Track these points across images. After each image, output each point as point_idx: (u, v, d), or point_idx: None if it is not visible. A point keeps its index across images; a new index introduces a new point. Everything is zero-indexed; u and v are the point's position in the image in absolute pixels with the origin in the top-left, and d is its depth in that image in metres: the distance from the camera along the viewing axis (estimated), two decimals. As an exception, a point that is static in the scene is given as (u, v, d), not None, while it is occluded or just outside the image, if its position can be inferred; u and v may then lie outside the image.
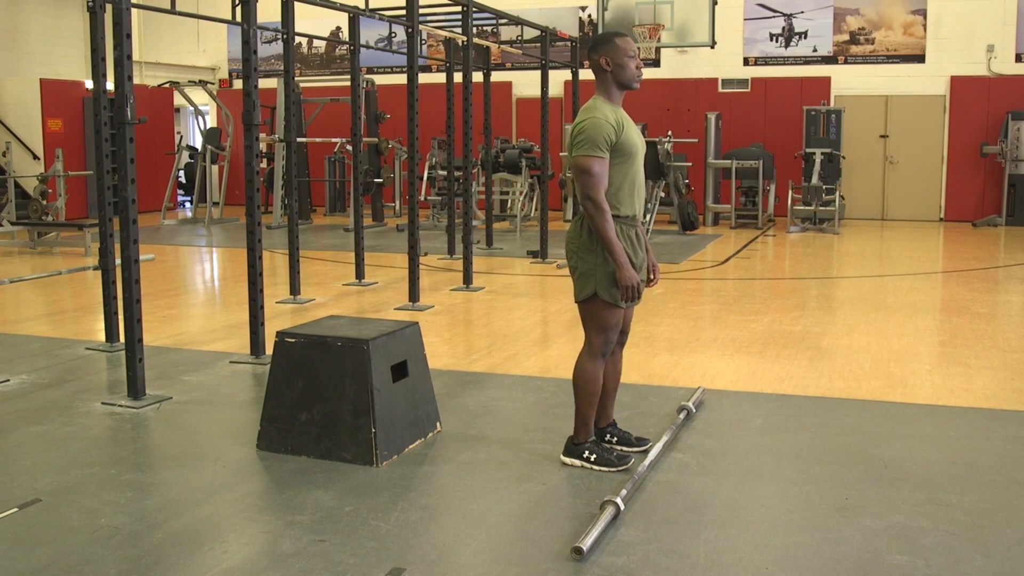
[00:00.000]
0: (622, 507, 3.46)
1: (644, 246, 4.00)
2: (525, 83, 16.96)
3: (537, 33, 11.12)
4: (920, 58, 15.29)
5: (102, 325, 6.54)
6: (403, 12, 7.77)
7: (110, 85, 5.34)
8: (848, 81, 15.64)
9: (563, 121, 16.17)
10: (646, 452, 4.13)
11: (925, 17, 15.18)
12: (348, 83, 9.96)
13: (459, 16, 9.55)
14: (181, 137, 18.33)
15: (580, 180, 3.74)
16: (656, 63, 16.53)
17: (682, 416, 4.60)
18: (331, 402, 4.08)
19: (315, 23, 15.00)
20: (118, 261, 5.50)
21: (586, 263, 3.84)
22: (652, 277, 4.10)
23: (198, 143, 16.73)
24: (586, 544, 3.15)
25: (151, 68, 18.02)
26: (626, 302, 3.80)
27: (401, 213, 15.86)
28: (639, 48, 3.93)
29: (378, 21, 8.97)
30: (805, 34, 15.77)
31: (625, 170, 3.83)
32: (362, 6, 8.77)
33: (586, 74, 14.42)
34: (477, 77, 10.02)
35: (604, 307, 3.84)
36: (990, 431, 4.53)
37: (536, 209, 14.06)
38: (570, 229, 3.95)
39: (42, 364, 5.88)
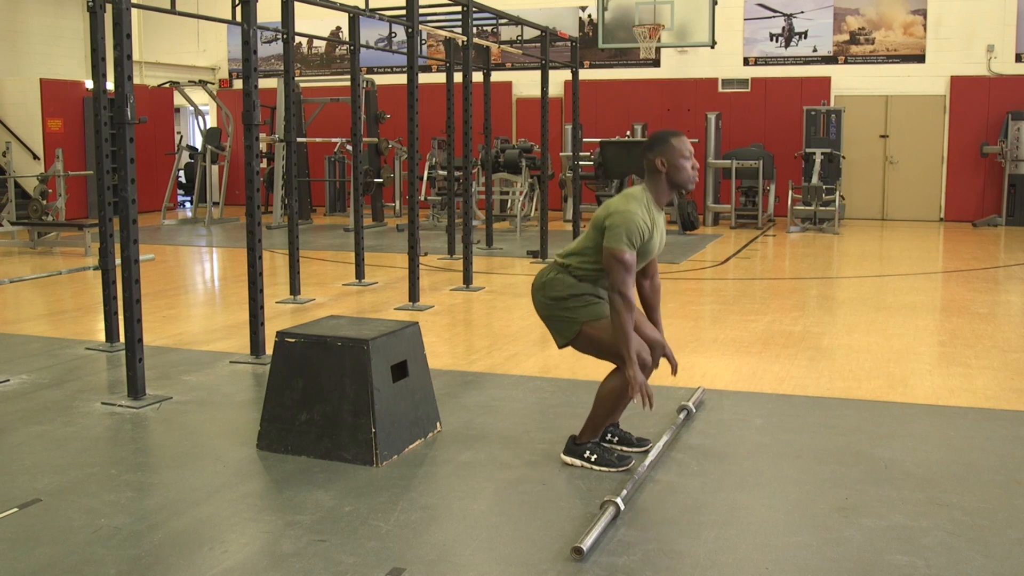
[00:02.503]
0: (622, 507, 3.46)
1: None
2: (525, 83, 16.96)
3: (537, 33, 11.11)
4: (920, 58, 15.29)
5: (102, 325, 6.54)
6: (403, 12, 7.77)
7: (110, 85, 5.34)
8: (848, 81, 15.65)
9: (563, 121, 16.18)
10: (647, 452, 4.13)
11: (925, 17, 15.18)
12: (348, 83, 9.96)
13: (459, 16, 9.55)
14: (181, 137, 18.33)
15: (612, 270, 3.72)
16: (656, 63, 16.54)
17: (682, 416, 4.60)
18: (331, 402, 4.08)
19: (315, 23, 15.01)
20: (118, 261, 5.50)
21: (564, 308, 3.88)
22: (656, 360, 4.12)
23: (198, 143, 16.73)
24: (586, 544, 3.15)
25: (151, 68, 18.03)
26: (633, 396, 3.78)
27: (401, 213, 15.87)
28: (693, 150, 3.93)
29: (378, 21, 8.97)
30: (805, 34, 15.78)
31: None
32: (362, 6, 8.77)
33: (586, 74, 14.30)
34: (477, 77, 10.02)
35: (597, 325, 3.85)
36: (990, 431, 4.53)
37: (536, 209, 14.07)
38: (541, 278, 3.96)
39: (42, 364, 5.88)
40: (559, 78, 15.85)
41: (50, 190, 12.67)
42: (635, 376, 3.73)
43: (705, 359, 6.03)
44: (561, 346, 4.00)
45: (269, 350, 4.96)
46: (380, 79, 16.95)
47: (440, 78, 12.38)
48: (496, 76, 13.04)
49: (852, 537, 3.30)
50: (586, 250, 3.88)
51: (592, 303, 3.88)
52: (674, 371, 4.09)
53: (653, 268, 4.12)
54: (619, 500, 3.46)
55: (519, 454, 4.18)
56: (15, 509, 3.55)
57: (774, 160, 15.00)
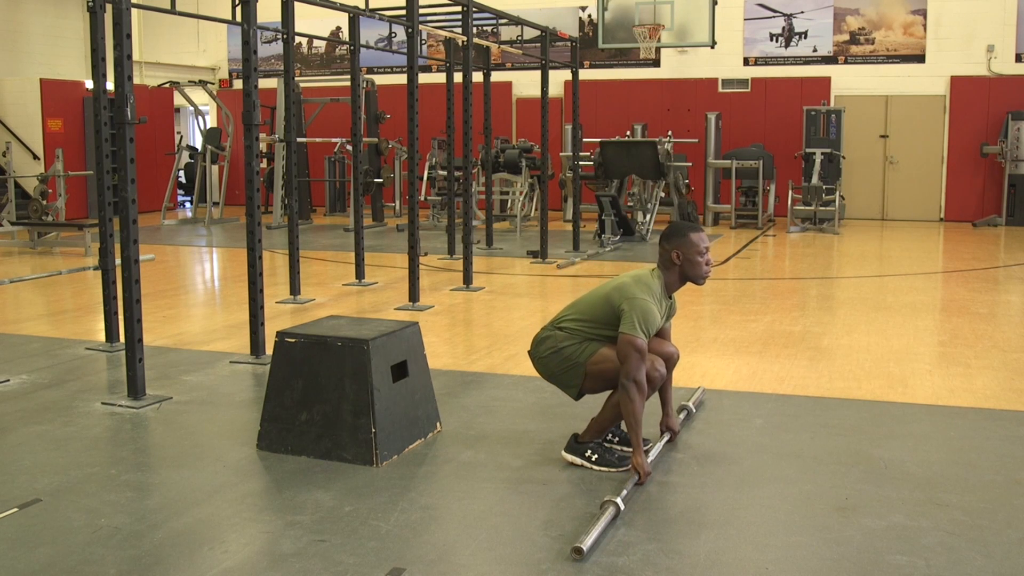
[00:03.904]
0: (622, 507, 3.46)
1: (662, 404, 4.28)
2: (525, 83, 16.96)
3: (537, 33, 11.11)
4: (920, 58, 15.29)
5: (102, 325, 6.54)
6: (403, 12, 7.77)
7: (110, 85, 5.34)
8: (848, 81, 15.65)
9: (563, 121, 16.18)
10: (647, 452, 4.13)
11: (925, 17, 15.18)
12: (348, 83, 9.96)
13: (459, 16, 9.55)
14: (181, 137, 18.33)
15: (627, 357, 3.77)
16: (656, 63, 16.54)
17: (682, 416, 4.59)
18: (331, 402, 4.07)
19: (315, 23, 15.01)
20: (118, 261, 5.50)
21: (562, 358, 3.97)
22: (670, 436, 4.24)
23: (198, 143, 16.74)
24: (586, 544, 3.15)
25: (151, 68, 18.03)
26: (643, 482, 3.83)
27: (401, 213, 15.87)
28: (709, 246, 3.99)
29: (378, 21, 8.97)
30: (805, 34, 15.78)
31: None
32: (362, 6, 8.77)
33: (586, 74, 14.28)
34: (477, 77, 10.02)
35: (595, 359, 3.90)
36: (990, 431, 4.53)
37: (536, 209, 14.07)
38: (538, 342, 4.05)
39: (42, 364, 5.88)
40: (559, 78, 15.84)
41: (50, 190, 12.67)
42: (643, 465, 3.78)
43: (705, 359, 6.03)
44: (576, 397, 4.08)
45: (269, 350, 4.96)
46: (380, 79, 16.95)
47: (440, 78, 12.38)
48: (496, 76, 13.04)
49: (852, 537, 3.30)
50: (587, 318, 3.95)
51: (584, 342, 3.94)
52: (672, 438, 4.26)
53: (667, 338, 4.20)
54: (619, 500, 3.47)
55: (519, 454, 4.18)
56: (15, 509, 3.55)
57: (774, 160, 15.01)
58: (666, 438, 4.24)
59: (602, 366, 3.90)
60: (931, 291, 8.79)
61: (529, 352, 4.16)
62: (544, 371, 4.10)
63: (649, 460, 3.97)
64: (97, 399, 5.06)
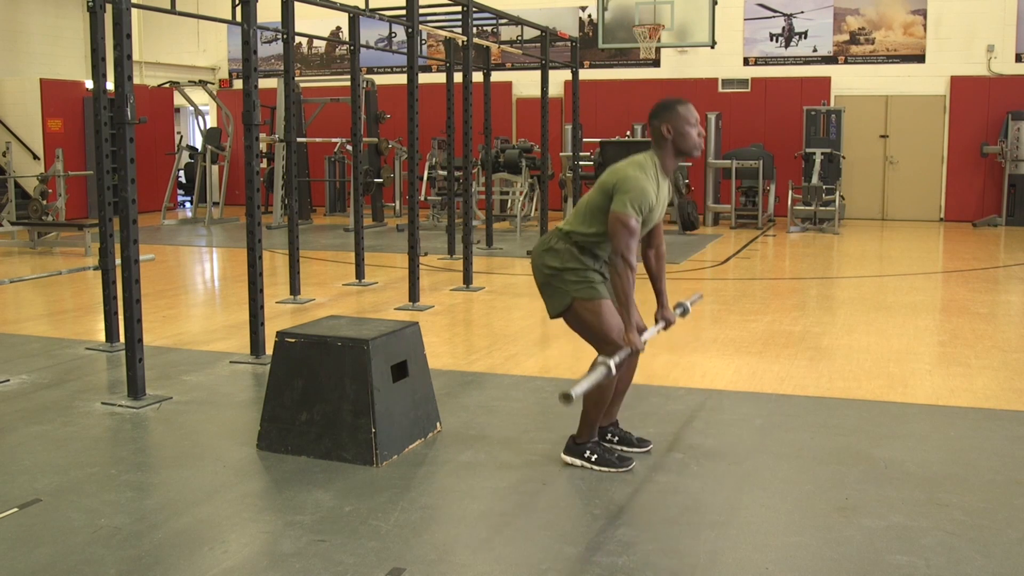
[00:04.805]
0: (614, 371, 3.59)
1: (656, 295, 4.15)
2: (525, 83, 16.96)
3: (537, 33, 11.12)
4: (920, 58, 15.29)
5: (102, 325, 6.54)
6: (403, 12, 7.77)
7: (110, 85, 5.34)
8: (848, 81, 15.65)
9: (563, 121, 16.18)
10: (648, 452, 4.14)
11: (925, 17, 15.18)
12: (348, 83, 9.96)
13: (459, 16, 9.55)
14: (181, 137, 18.33)
15: (617, 234, 3.72)
16: (656, 63, 16.54)
17: (678, 312, 4.29)
18: (331, 402, 4.07)
19: (315, 23, 15.01)
20: (118, 261, 5.50)
21: (560, 279, 3.87)
22: (664, 325, 4.16)
23: (198, 143, 16.73)
24: (575, 392, 3.23)
25: (151, 68, 18.02)
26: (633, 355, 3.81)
27: (401, 213, 15.86)
28: (698, 116, 3.93)
29: (378, 21, 8.97)
30: (805, 34, 15.78)
31: None
32: (362, 6, 8.77)
33: (586, 74, 14.30)
34: (477, 77, 10.02)
35: (587, 305, 3.83)
36: (990, 431, 4.53)
37: (536, 209, 14.07)
38: (544, 245, 3.94)
39: (42, 364, 5.88)
40: (559, 78, 15.84)
41: (50, 190, 12.67)
42: (635, 341, 3.74)
43: (705, 359, 6.03)
44: (552, 316, 3.98)
45: (269, 350, 4.96)
46: (380, 79, 16.95)
47: (440, 78, 12.38)
48: (496, 76, 13.04)
49: (852, 537, 3.30)
50: (589, 215, 3.86)
51: (588, 281, 3.85)
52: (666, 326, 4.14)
53: (658, 237, 4.09)
54: (611, 362, 3.56)
55: (519, 454, 4.18)
56: (15, 509, 3.55)
57: (774, 160, 15.00)
58: (660, 326, 4.12)
59: (588, 315, 3.82)
60: (931, 291, 8.79)
61: (532, 252, 4.03)
62: (538, 278, 3.98)
63: (643, 339, 3.90)
64: (97, 399, 5.06)
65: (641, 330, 3.92)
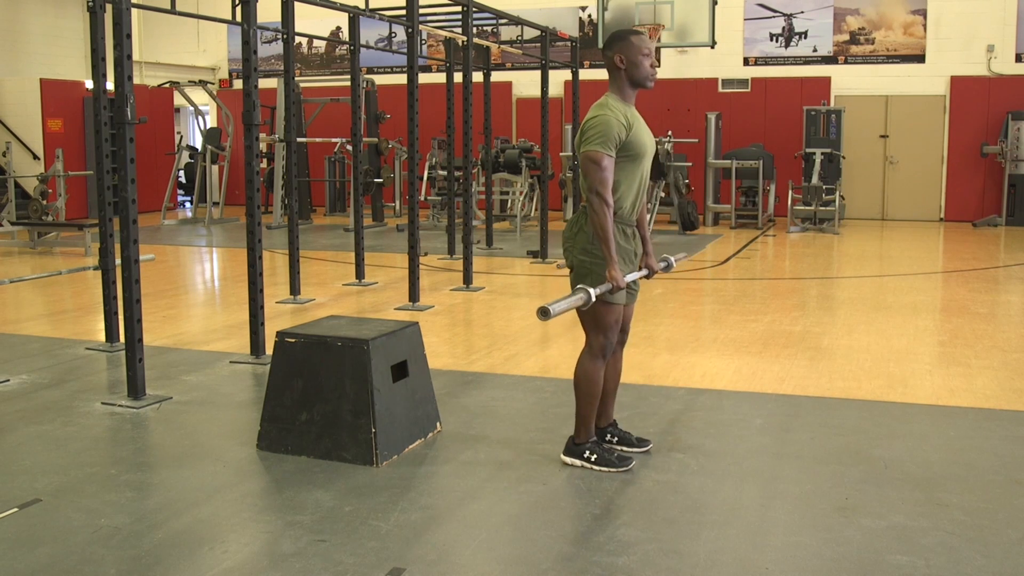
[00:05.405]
0: (592, 298, 3.57)
1: (641, 242, 4.02)
2: (525, 83, 16.96)
3: (537, 33, 11.11)
4: (920, 58, 15.29)
5: (102, 325, 6.54)
6: (403, 12, 7.77)
7: (110, 85, 5.34)
8: (848, 81, 15.65)
9: (563, 121, 16.18)
10: (648, 452, 4.14)
11: (925, 17, 15.18)
12: (348, 83, 9.96)
13: (459, 16, 9.55)
14: (181, 137, 18.33)
15: (589, 173, 3.73)
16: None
17: (662, 265, 4.26)
18: (331, 402, 4.07)
19: (315, 23, 15.01)
20: (118, 261, 5.50)
21: (584, 263, 3.84)
22: (647, 272, 4.08)
23: (198, 143, 16.73)
24: (553, 308, 3.28)
25: (151, 68, 18.02)
26: (614, 294, 3.79)
27: (401, 213, 15.87)
28: (653, 47, 3.90)
29: (378, 21, 8.97)
30: (805, 34, 15.77)
31: (631, 169, 3.83)
32: (362, 6, 8.77)
33: (586, 74, 14.30)
34: (477, 77, 10.02)
35: (601, 306, 3.83)
36: (990, 431, 4.53)
37: (536, 209, 14.06)
38: (570, 226, 3.94)
39: (42, 364, 5.88)
40: (559, 78, 15.84)
41: (50, 190, 12.67)
42: (617, 278, 3.72)
43: (705, 359, 6.03)
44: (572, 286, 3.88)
45: (269, 350, 4.96)
46: (380, 79, 16.95)
47: (440, 78, 12.38)
48: (496, 76, 13.03)
49: (852, 537, 3.30)
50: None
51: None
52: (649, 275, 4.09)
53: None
54: (592, 291, 3.56)
55: (519, 454, 4.18)
56: (15, 509, 3.55)
57: (774, 160, 15.00)
58: (643, 272, 4.07)
59: (600, 309, 3.78)
60: (931, 291, 8.79)
61: (564, 235, 3.98)
62: (567, 254, 3.93)
63: (627, 279, 3.86)
64: (97, 399, 5.06)
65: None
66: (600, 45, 14.64)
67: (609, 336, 3.90)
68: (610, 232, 3.72)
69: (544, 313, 3.16)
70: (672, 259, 4.34)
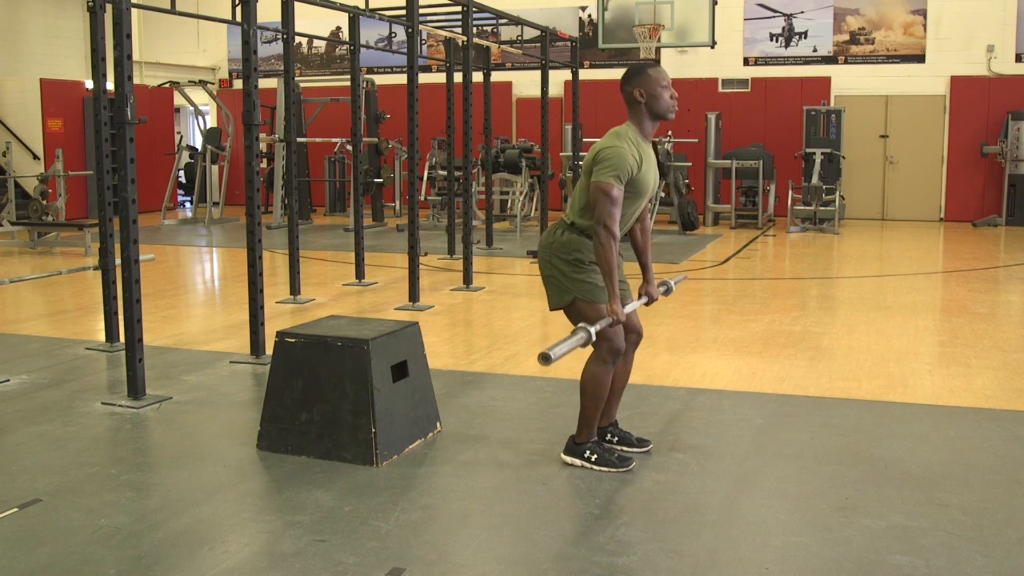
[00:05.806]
0: (593, 337, 3.56)
1: (642, 269, 4.15)
2: (525, 83, 16.96)
3: (537, 33, 11.12)
4: (920, 58, 15.29)
5: (102, 325, 6.54)
6: (403, 12, 7.77)
7: (110, 85, 5.34)
8: (848, 81, 15.65)
9: (563, 121, 16.18)
10: (648, 453, 4.14)
11: (925, 17, 15.18)
12: (348, 83, 9.96)
13: (459, 16, 9.55)
14: (181, 137, 18.33)
15: (598, 204, 3.71)
16: (656, 63, 16.52)
17: (662, 290, 4.28)
18: (331, 402, 4.07)
19: (315, 23, 15.01)
20: (118, 261, 5.50)
21: (564, 275, 3.87)
22: (646, 300, 4.14)
23: (198, 143, 16.73)
24: (554, 353, 3.26)
25: (151, 68, 18.02)
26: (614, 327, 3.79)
27: (401, 213, 15.86)
28: (668, 80, 3.91)
29: (378, 21, 8.97)
30: (805, 34, 15.77)
31: (626, 205, 3.83)
32: (362, 6, 8.77)
33: (586, 74, 14.27)
34: (477, 77, 10.02)
35: (588, 306, 3.83)
36: (990, 431, 4.53)
37: (536, 209, 14.07)
38: (550, 237, 3.94)
39: (42, 364, 5.88)
40: (559, 78, 15.84)
41: (50, 190, 12.67)
42: (618, 311, 3.73)
43: (705, 359, 6.03)
44: (552, 308, 3.98)
45: (269, 350, 4.96)
46: (380, 79, 16.94)
47: (440, 78, 12.38)
48: (496, 76, 13.04)
49: (852, 537, 3.30)
50: (584, 200, 3.85)
51: (592, 282, 3.84)
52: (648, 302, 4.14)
53: (643, 210, 4.09)
54: (592, 329, 3.56)
55: (519, 454, 4.18)
56: (15, 509, 3.55)
57: (774, 160, 15.00)
58: (642, 300, 4.12)
59: (589, 315, 3.80)
60: (931, 291, 8.79)
61: (540, 245, 4.03)
62: (544, 270, 3.99)
63: (626, 311, 3.88)
64: (97, 399, 5.06)
65: (624, 303, 3.92)
66: (600, 45, 14.70)
67: (614, 341, 3.88)
68: (614, 265, 3.73)
69: (545, 359, 3.15)
70: (672, 283, 4.38)
